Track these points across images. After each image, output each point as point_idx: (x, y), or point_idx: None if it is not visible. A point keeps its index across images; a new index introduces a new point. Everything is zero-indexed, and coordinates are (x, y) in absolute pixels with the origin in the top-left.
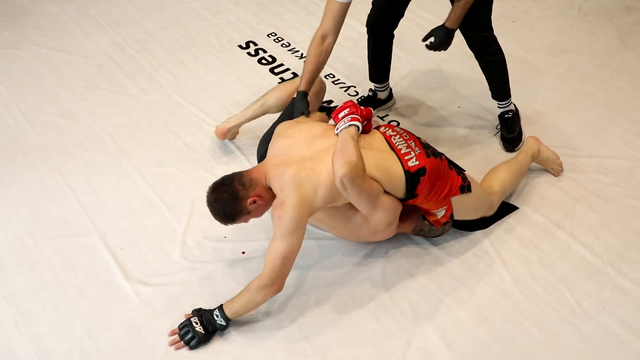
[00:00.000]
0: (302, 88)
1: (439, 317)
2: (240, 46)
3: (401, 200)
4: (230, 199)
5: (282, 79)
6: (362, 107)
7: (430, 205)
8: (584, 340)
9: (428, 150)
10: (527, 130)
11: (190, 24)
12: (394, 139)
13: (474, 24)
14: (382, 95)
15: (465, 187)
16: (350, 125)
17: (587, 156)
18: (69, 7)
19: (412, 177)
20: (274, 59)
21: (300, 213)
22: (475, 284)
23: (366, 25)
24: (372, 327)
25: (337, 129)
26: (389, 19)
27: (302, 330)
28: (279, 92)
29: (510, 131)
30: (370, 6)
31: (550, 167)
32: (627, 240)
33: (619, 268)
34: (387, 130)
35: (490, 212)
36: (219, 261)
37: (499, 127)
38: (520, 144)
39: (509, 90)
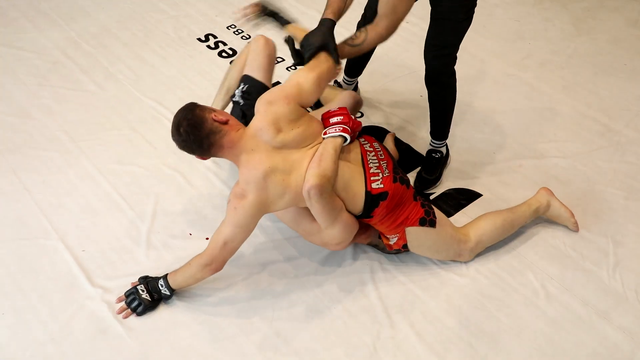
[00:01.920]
0: (327, 16)
1: (409, 307)
2: (199, 39)
3: (356, 217)
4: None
5: None
6: (354, 119)
7: (383, 229)
8: (548, 322)
9: (397, 175)
10: (488, 115)
11: (147, 17)
12: (369, 156)
13: (439, 44)
14: (347, 88)
15: (427, 221)
16: (339, 135)
17: (547, 141)
18: (18, 1)
19: (372, 199)
20: (235, 52)
21: (256, 212)
22: (443, 273)
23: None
24: (343, 319)
25: (325, 133)
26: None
27: (272, 325)
28: (236, 70)
29: (430, 173)
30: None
31: (563, 223)
32: (588, 222)
33: (581, 250)
34: (366, 144)
35: (459, 259)
36: (184, 260)
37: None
38: (433, 188)
39: (449, 131)
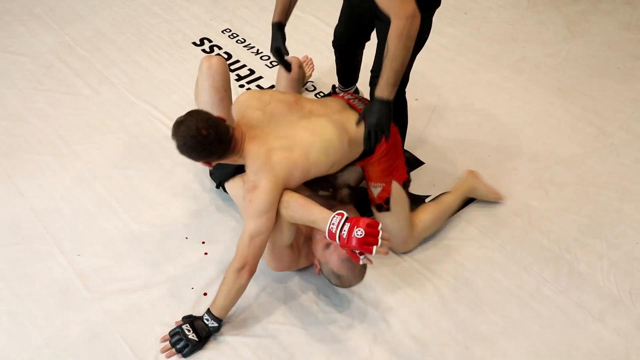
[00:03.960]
0: (276, 19)
1: (404, 310)
2: (194, 43)
3: (357, 159)
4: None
5: (239, 76)
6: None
7: (376, 171)
8: (544, 324)
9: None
10: (482, 118)
11: (141, 21)
12: (354, 102)
13: (376, 69)
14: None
15: (407, 183)
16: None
17: (541, 143)
18: (12, 5)
19: None
20: (230, 56)
21: (271, 197)
22: (437, 275)
23: (332, 44)
24: (339, 323)
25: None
26: (354, 40)
27: (268, 329)
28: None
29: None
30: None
31: (489, 200)
32: (582, 224)
33: (575, 252)
34: (348, 98)
35: (403, 247)
36: (180, 263)
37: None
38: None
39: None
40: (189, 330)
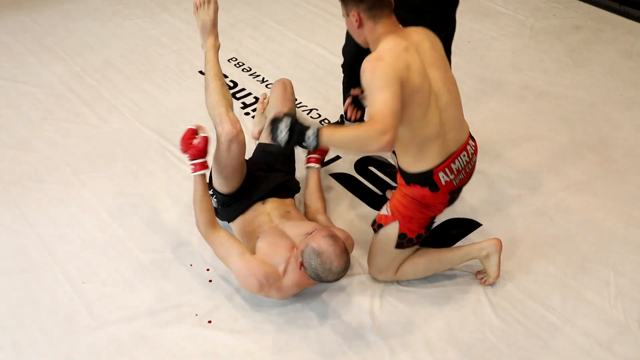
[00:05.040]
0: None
1: (409, 337)
2: (201, 72)
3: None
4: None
5: (244, 104)
6: None
7: (396, 199)
8: (550, 353)
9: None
10: (486, 145)
11: (150, 51)
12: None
13: None
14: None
15: (419, 237)
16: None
17: (546, 170)
18: (24, 36)
19: (431, 178)
20: (236, 84)
21: (395, 77)
22: (443, 303)
23: (342, 67)
24: (343, 350)
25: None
26: (362, 56)
27: (272, 358)
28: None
29: None
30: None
31: (485, 276)
32: (588, 251)
33: (582, 280)
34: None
35: (375, 274)
36: (186, 291)
37: None
38: None
39: None
40: (286, 126)
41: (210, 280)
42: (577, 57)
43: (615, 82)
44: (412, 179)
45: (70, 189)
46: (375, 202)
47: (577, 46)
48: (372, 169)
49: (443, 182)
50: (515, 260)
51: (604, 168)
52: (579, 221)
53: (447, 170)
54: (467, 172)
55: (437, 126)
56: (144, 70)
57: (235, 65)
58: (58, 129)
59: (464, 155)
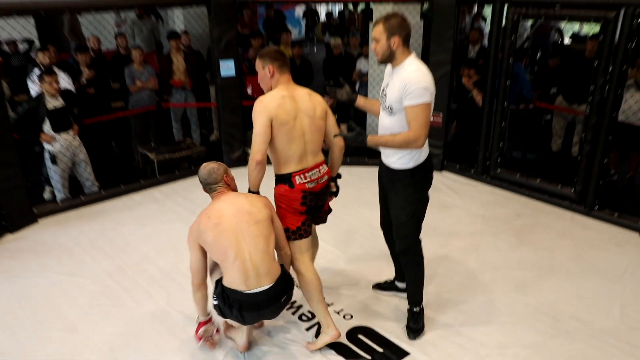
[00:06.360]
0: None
1: None
2: None
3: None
4: None
5: None
6: None
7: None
8: None
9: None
10: (450, 317)
11: (178, 247)
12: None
13: (399, 233)
14: (401, 285)
15: (297, 230)
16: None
17: (507, 333)
18: (82, 239)
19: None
20: None
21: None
22: None
23: (381, 227)
24: None
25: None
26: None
27: None
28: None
29: (416, 323)
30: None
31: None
32: None
33: None
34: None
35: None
36: None
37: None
38: (422, 334)
39: (421, 299)
40: None
41: None
42: (522, 237)
43: (556, 257)
44: (279, 179)
45: None
46: None
47: (521, 229)
48: None
49: (297, 182)
50: None
51: (555, 329)
52: None
53: (302, 175)
54: (318, 184)
55: (301, 149)
56: (174, 262)
57: None
58: (101, 313)
59: (316, 171)
